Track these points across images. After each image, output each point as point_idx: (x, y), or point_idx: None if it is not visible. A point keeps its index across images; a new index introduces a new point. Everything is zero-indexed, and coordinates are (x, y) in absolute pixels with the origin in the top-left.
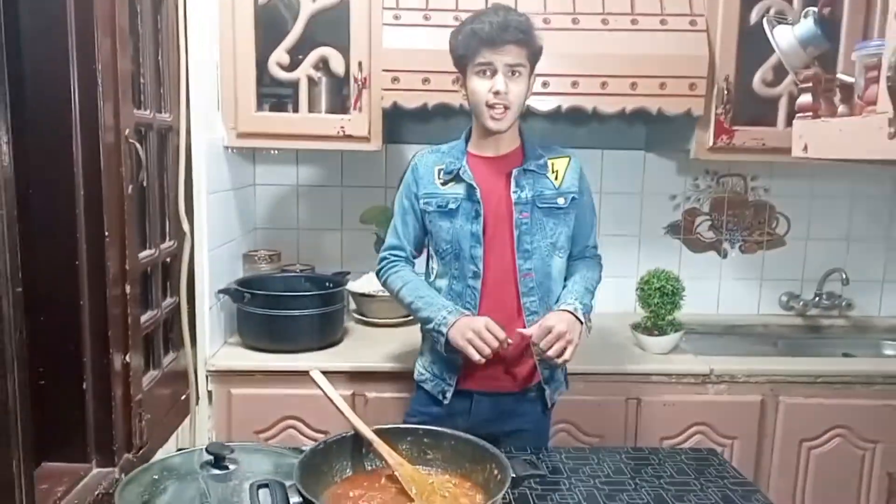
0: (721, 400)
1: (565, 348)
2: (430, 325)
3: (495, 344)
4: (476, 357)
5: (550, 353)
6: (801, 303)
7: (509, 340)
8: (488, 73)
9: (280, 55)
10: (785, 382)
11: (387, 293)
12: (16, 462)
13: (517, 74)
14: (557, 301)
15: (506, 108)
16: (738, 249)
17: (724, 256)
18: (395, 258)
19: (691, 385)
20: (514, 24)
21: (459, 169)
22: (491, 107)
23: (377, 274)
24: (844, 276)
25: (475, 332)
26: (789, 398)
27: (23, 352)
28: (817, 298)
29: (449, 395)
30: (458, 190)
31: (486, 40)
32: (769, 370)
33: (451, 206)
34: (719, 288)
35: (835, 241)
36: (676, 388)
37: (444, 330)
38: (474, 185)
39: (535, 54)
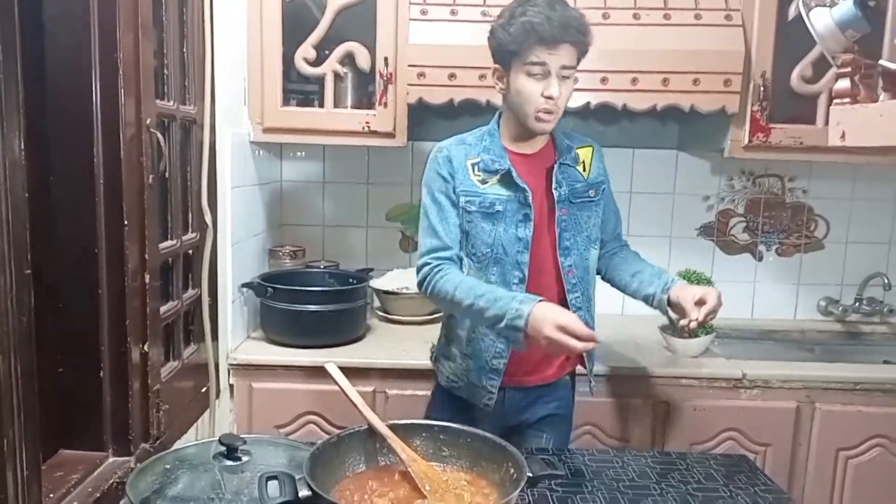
0: (754, 406)
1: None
2: (503, 324)
3: (587, 336)
4: (581, 347)
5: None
6: (841, 308)
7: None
8: (539, 74)
9: (306, 50)
10: (821, 389)
11: (410, 291)
12: (11, 451)
13: (567, 78)
14: (646, 284)
15: (554, 112)
16: (774, 252)
17: (760, 259)
18: (439, 261)
19: (723, 389)
20: (574, 23)
21: (507, 171)
22: (540, 110)
23: (420, 286)
24: (886, 280)
25: (565, 328)
26: (826, 405)
27: (28, 337)
28: (857, 304)
29: (490, 402)
30: (502, 191)
31: (545, 38)
32: (805, 376)
33: (498, 207)
34: (754, 292)
35: (876, 244)
36: (707, 393)
37: (522, 324)
38: (527, 188)
39: (584, 55)
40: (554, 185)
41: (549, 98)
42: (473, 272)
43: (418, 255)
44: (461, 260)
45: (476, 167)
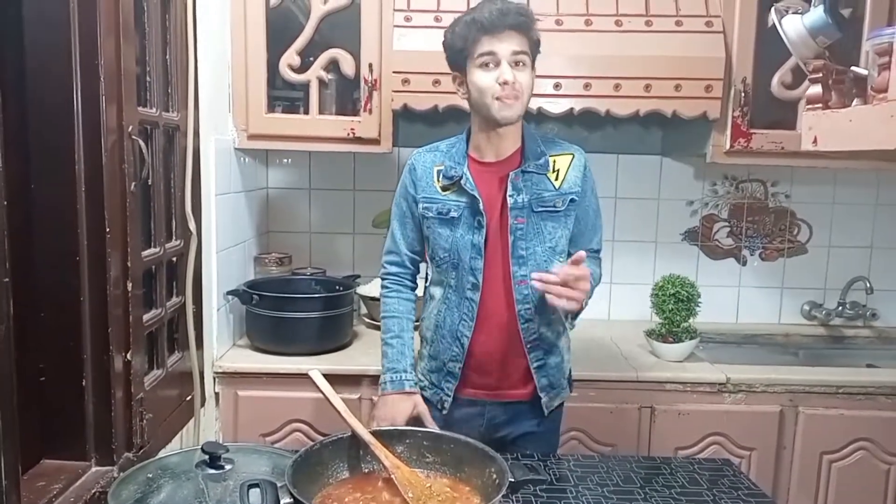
0: (738, 410)
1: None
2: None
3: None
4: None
5: (560, 298)
6: (824, 312)
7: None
8: (491, 65)
9: (291, 57)
10: (805, 393)
11: None
12: None
13: (521, 65)
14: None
15: (515, 97)
16: (758, 257)
17: (744, 264)
18: (394, 277)
19: (707, 394)
20: (513, 9)
21: (461, 178)
22: (499, 98)
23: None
24: (868, 284)
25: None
26: (809, 409)
27: (7, 345)
28: (840, 308)
29: (447, 405)
30: (461, 198)
31: (486, 27)
32: (788, 380)
33: (453, 213)
34: (738, 296)
35: (858, 248)
36: (692, 397)
37: (378, 394)
38: (477, 196)
39: (535, 45)
40: (509, 192)
41: (505, 84)
42: (435, 275)
43: (383, 253)
44: (413, 264)
45: (440, 174)
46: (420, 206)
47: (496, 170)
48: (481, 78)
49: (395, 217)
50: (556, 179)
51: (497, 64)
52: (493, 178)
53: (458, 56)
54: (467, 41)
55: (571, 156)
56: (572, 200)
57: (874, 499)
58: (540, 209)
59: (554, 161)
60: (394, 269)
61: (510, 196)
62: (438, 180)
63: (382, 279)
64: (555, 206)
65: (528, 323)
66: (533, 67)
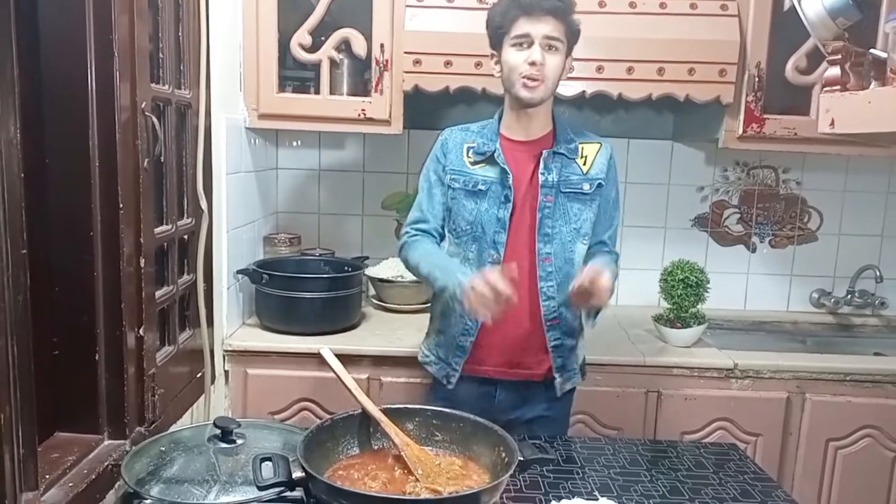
0: (745, 395)
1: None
2: (448, 294)
3: (493, 301)
4: (481, 317)
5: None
6: (833, 300)
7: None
8: (524, 45)
9: (302, 36)
10: (812, 379)
11: (405, 279)
12: (7, 428)
13: (554, 49)
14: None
15: (540, 80)
16: (767, 244)
17: (753, 251)
18: (416, 231)
19: (714, 379)
20: None
21: (494, 152)
22: (525, 77)
23: (399, 252)
24: (878, 273)
25: (475, 293)
26: (816, 396)
27: (24, 315)
28: (850, 296)
29: (454, 380)
30: (489, 173)
31: (525, 8)
32: (795, 366)
33: (481, 187)
34: (747, 283)
35: (869, 236)
36: (699, 382)
37: (461, 295)
38: (508, 169)
39: (572, 33)
40: (541, 170)
41: (532, 64)
42: (453, 247)
43: (404, 224)
44: (439, 234)
45: (470, 150)
46: (448, 176)
47: (526, 148)
48: (512, 56)
49: (422, 190)
50: (585, 165)
51: (530, 45)
52: (523, 156)
53: (497, 33)
54: (506, 19)
55: (599, 145)
56: (599, 185)
57: (879, 486)
58: (567, 190)
59: (582, 148)
60: (421, 226)
61: (542, 174)
62: (468, 156)
63: (404, 237)
64: (582, 189)
65: (549, 300)
66: (568, 55)
